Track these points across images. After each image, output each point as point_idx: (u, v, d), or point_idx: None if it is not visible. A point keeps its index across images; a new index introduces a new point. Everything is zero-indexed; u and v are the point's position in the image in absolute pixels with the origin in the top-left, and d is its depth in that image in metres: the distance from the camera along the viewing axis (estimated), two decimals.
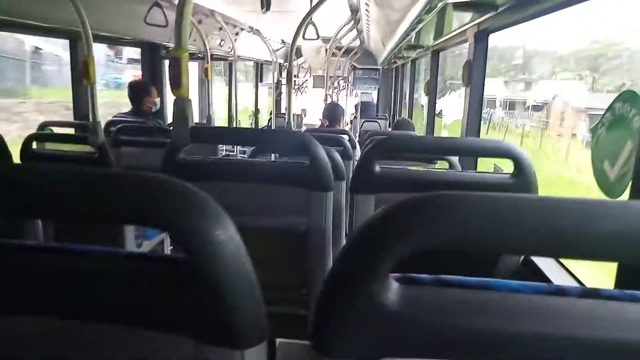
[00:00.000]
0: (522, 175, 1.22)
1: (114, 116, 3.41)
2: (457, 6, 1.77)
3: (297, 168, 1.37)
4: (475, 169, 2.17)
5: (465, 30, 2.28)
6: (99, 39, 3.04)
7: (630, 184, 0.97)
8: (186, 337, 0.49)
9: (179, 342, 0.50)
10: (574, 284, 1.31)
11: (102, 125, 2.85)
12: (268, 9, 1.73)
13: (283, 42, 6.38)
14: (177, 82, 1.24)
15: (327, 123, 3.51)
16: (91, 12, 2.02)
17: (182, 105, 1.28)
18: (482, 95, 2.16)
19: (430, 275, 0.50)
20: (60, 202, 0.48)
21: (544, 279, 1.29)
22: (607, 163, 1.10)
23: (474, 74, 2.11)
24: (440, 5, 1.84)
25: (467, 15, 2.05)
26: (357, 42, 5.80)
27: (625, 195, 1.02)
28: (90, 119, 2.11)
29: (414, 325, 0.46)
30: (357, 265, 0.46)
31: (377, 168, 1.31)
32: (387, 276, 0.46)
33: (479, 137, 2.19)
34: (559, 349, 0.44)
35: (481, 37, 2.09)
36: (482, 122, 2.23)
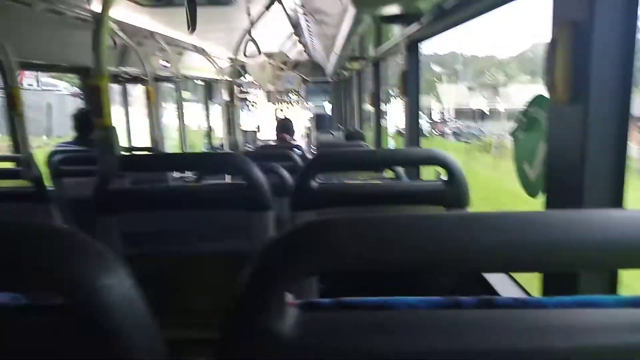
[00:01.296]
0: (454, 182, 1.26)
1: (57, 145, 3.29)
2: (385, 19, 1.82)
3: (234, 190, 1.35)
4: (419, 176, 2.22)
5: (398, 41, 2.34)
6: (31, 67, 2.93)
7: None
8: None
9: None
10: (520, 292, 1.35)
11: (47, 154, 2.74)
12: (194, 29, 1.72)
13: (230, 59, 6.36)
14: (99, 111, 1.20)
15: (284, 137, 3.54)
16: (18, 40, 1.94)
17: (106, 134, 1.24)
18: (418, 102, 2.22)
19: (333, 299, 0.50)
20: None
21: (491, 290, 1.33)
22: (526, 163, 1.15)
23: (410, 82, 2.16)
24: (367, 19, 1.89)
25: (397, 27, 2.10)
26: (305, 56, 5.86)
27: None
28: (22, 153, 2.02)
29: (313, 349, 0.45)
30: (250, 293, 0.45)
31: (315, 184, 1.32)
32: (284, 303, 0.46)
33: (418, 145, 2.24)
34: None
35: (412, 47, 2.15)
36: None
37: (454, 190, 1.27)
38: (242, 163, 1.32)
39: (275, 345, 0.45)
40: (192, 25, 1.77)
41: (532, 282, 1.38)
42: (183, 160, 1.49)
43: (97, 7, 2.59)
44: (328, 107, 8.33)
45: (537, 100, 1.10)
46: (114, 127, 1.26)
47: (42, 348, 0.47)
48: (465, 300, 0.49)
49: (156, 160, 1.58)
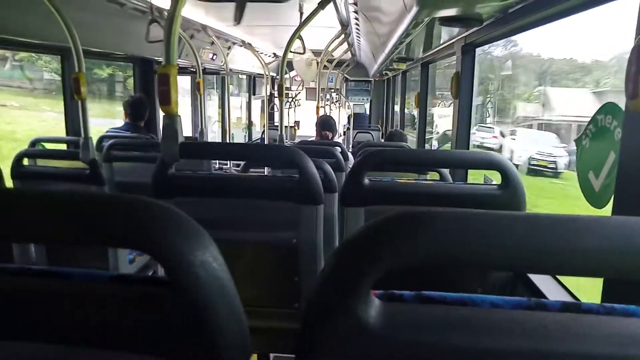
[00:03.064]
0: (509, 187, 1.24)
1: (107, 131, 3.41)
2: (444, 20, 1.80)
3: (286, 182, 1.37)
4: (466, 180, 2.18)
5: (453, 43, 2.31)
6: (90, 55, 3.05)
7: (613, 195, 0.99)
8: (170, 359, 0.49)
9: None
10: (566, 295, 1.32)
11: (95, 140, 2.86)
12: (239, 22, 1.75)
13: (275, 55, 6.43)
14: (166, 99, 1.25)
15: (321, 136, 3.54)
16: (82, 29, 2.03)
17: (171, 121, 1.29)
18: (471, 106, 2.19)
19: (415, 291, 0.51)
20: (35, 225, 0.48)
21: (535, 291, 1.30)
22: (592, 174, 1.12)
23: (462, 86, 2.14)
24: (427, 20, 1.87)
25: (454, 30, 2.08)
26: (349, 55, 5.86)
27: (609, 206, 1.03)
28: (82, 135, 2.11)
29: (395, 342, 0.46)
30: (338, 283, 0.46)
31: (367, 181, 1.32)
32: (369, 293, 0.47)
33: (468, 148, 2.21)
34: None
35: (468, 50, 2.12)
36: None
37: (510, 195, 1.24)
38: (298, 156, 1.34)
39: (359, 333, 0.46)
40: (238, 17, 1.80)
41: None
42: (240, 149, 1.53)
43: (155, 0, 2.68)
44: (366, 107, 8.31)
45: (608, 108, 1.07)
46: (179, 116, 1.30)
47: (138, 319, 0.49)
48: (550, 302, 0.49)
49: (214, 148, 1.63)
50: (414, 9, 1.50)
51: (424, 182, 1.69)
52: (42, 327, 0.50)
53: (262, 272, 1.51)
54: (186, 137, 4.25)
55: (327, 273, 0.48)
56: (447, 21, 1.82)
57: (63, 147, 3.03)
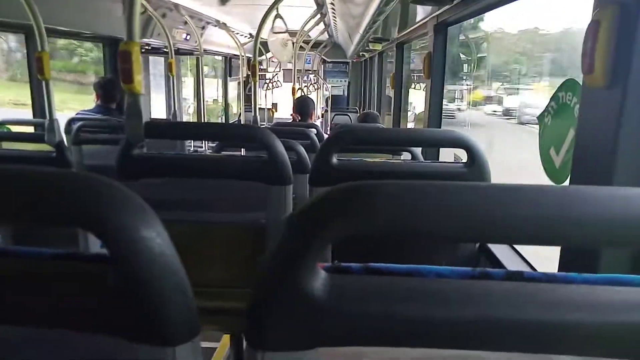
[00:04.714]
0: (475, 164, 1.25)
1: (77, 113, 3.33)
2: None
3: (255, 162, 1.36)
4: (437, 159, 2.20)
5: (426, 22, 2.31)
6: (55, 33, 2.95)
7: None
8: (117, 337, 0.49)
9: (111, 342, 0.49)
10: (525, 267, 1.35)
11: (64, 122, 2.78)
12: (224, 3, 1.72)
13: (251, 35, 6.32)
14: (129, 77, 1.22)
15: (299, 117, 3.51)
16: (47, 6, 1.96)
17: (134, 100, 1.26)
18: (443, 86, 2.19)
19: (361, 263, 0.51)
20: None
21: (497, 264, 1.33)
22: (552, 150, 1.14)
23: (435, 65, 2.14)
24: None
25: (427, 8, 2.07)
26: (326, 36, 5.80)
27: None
28: (47, 117, 2.05)
29: (343, 314, 0.46)
30: (284, 255, 0.46)
31: (335, 160, 1.32)
32: (315, 266, 0.47)
33: (439, 127, 2.23)
34: (484, 331, 0.45)
35: (440, 29, 2.12)
36: None
37: (475, 172, 1.26)
38: (267, 136, 1.33)
39: (305, 306, 0.46)
40: None
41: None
42: (208, 129, 1.50)
43: None
44: (345, 89, 8.28)
45: (568, 84, 1.09)
46: (142, 94, 1.27)
47: (82, 296, 0.49)
48: (494, 271, 0.49)
49: (181, 128, 1.60)
50: None
51: (392, 161, 1.70)
52: None
53: (232, 253, 1.50)
54: (161, 120, 4.18)
55: (275, 247, 0.48)
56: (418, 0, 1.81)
57: (30, 129, 2.94)
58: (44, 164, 2.05)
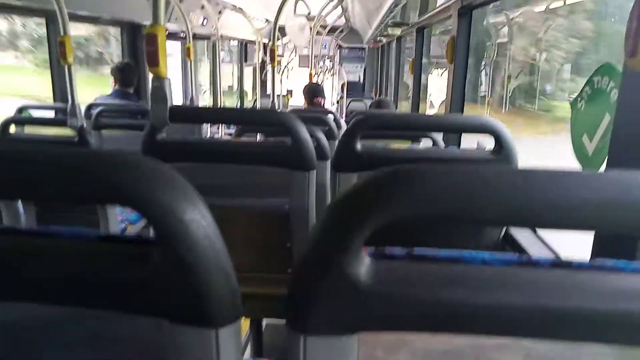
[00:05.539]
0: (503, 151, 1.23)
1: (96, 98, 3.35)
2: None
3: (279, 148, 1.36)
4: (459, 146, 2.18)
5: (449, 5, 2.26)
6: (76, 18, 2.96)
7: (606, 157, 0.98)
8: (160, 318, 0.49)
9: (153, 323, 0.49)
10: (547, 251, 1.33)
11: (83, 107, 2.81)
12: None
13: (267, 21, 6.28)
14: (155, 60, 1.21)
15: (307, 103, 3.50)
16: None
17: (160, 84, 1.26)
18: (466, 71, 2.16)
19: (404, 249, 0.50)
20: (26, 182, 0.47)
21: (522, 251, 1.31)
22: (585, 137, 1.11)
23: (458, 50, 2.10)
24: None
25: None
26: (343, 20, 5.74)
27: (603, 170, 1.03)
28: (69, 101, 2.06)
29: (387, 299, 0.46)
30: (329, 240, 0.46)
31: (359, 146, 1.31)
32: (360, 251, 0.46)
33: (462, 113, 2.20)
34: (530, 319, 0.45)
35: (464, 13, 2.08)
36: None
37: (503, 160, 1.24)
38: (292, 121, 1.32)
39: (350, 290, 0.46)
40: None
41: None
42: (232, 114, 1.50)
43: None
44: (361, 75, 8.21)
45: (605, 69, 1.05)
46: (168, 78, 1.27)
47: (126, 278, 0.49)
48: (541, 259, 0.49)
49: (206, 112, 1.60)
50: None
51: (417, 148, 1.68)
52: (31, 286, 0.49)
53: (254, 239, 1.51)
54: (177, 105, 4.20)
55: (317, 231, 0.47)
56: None
57: (51, 114, 2.97)
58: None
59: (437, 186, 0.43)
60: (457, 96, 2.13)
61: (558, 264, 0.48)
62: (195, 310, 0.48)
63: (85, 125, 2.11)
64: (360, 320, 0.46)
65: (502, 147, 1.23)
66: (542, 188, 0.42)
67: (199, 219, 0.48)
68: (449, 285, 0.46)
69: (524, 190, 0.42)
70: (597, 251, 0.95)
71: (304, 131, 1.32)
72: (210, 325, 0.48)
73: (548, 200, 0.42)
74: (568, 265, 0.48)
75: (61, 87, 3.04)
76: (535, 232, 1.40)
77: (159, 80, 1.26)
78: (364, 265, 0.46)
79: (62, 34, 1.93)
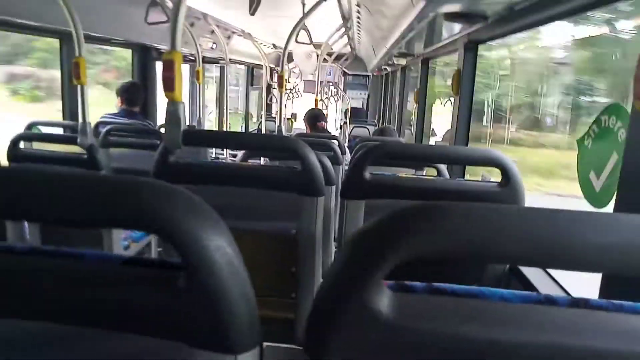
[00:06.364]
0: (510, 185, 1.24)
1: (103, 116, 3.38)
2: (449, 16, 1.80)
3: (288, 173, 1.38)
4: (463, 177, 2.20)
5: (455, 39, 2.31)
6: (90, 39, 3.02)
7: (615, 195, 0.99)
8: (180, 342, 0.49)
9: (172, 347, 0.50)
10: (559, 291, 1.33)
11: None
12: (254, 13, 1.75)
13: (274, 46, 6.40)
14: (171, 85, 1.24)
15: (309, 128, 3.54)
16: (83, 12, 2.01)
17: (175, 108, 1.28)
18: (471, 103, 2.19)
19: (422, 282, 0.51)
20: (53, 206, 0.48)
21: (529, 286, 1.31)
22: (593, 174, 1.13)
23: (464, 82, 2.14)
24: (431, 15, 1.87)
25: (458, 25, 2.08)
26: (348, 49, 5.84)
27: (610, 206, 1.05)
28: (80, 120, 2.09)
29: (406, 332, 0.46)
30: (352, 272, 0.46)
31: (367, 174, 1.33)
32: (381, 284, 0.47)
33: (467, 144, 2.22)
34: (548, 357, 0.45)
35: (471, 47, 2.13)
36: None
37: (511, 193, 1.25)
38: (302, 148, 1.34)
39: (371, 323, 0.46)
40: (254, 7, 1.79)
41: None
42: (244, 139, 1.52)
43: None
44: (365, 101, 8.30)
45: (613, 109, 1.08)
46: (182, 102, 1.30)
47: (148, 301, 0.49)
48: (559, 298, 0.49)
49: (218, 137, 1.62)
50: (421, 3, 1.49)
51: (424, 177, 1.70)
52: (54, 307, 0.50)
53: (260, 262, 1.51)
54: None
55: (340, 263, 0.48)
56: (452, 17, 1.82)
57: (59, 131, 3.00)
58: (75, 166, 2.09)
59: (460, 224, 0.44)
60: (463, 128, 2.16)
61: (576, 303, 0.48)
62: (216, 336, 0.49)
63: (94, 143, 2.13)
64: (378, 352, 0.47)
65: (509, 181, 1.25)
66: (564, 229, 0.43)
67: (224, 246, 0.49)
68: (468, 320, 0.47)
69: (547, 231, 0.43)
70: (606, 291, 0.95)
71: (313, 157, 1.34)
72: (230, 351, 0.49)
73: (569, 242, 0.43)
74: (586, 304, 0.49)
75: (71, 106, 3.09)
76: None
77: (174, 104, 1.28)
78: (384, 297, 0.47)
79: (77, 55, 1.97)
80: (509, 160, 1.26)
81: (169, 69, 1.24)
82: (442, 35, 2.57)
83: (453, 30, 2.27)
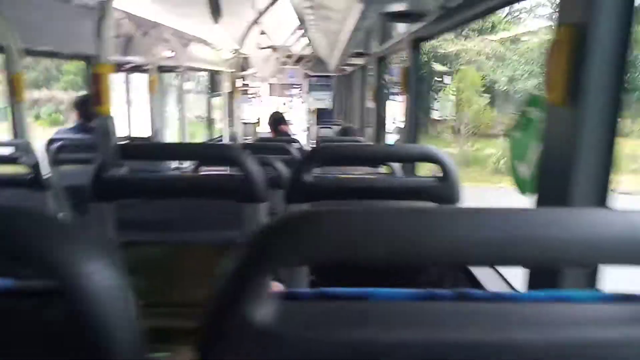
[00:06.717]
0: (447, 179, 1.27)
1: (56, 132, 3.29)
2: (390, 16, 1.83)
3: (228, 180, 1.37)
4: (414, 173, 2.23)
5: (403, 38, 2.34)
6: (36, 53, 2.94)
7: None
8: None
9: None
10: (503, 285, 1.36)
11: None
12: (217, 21, 1.74)
13: (236, 51, 6.36)
14: (100, 99, 1.22)
15: (272, 131, 3.54)
16: (25, 26, 1.94)
17: (104, 122, 1.26)
18: (418, 100, 2.22)
19: (314, 289, 0.51)
20: None
21: (478, 285, 1.34)
22: (520, 163, 1.16)
23: (411, 80, 2.17)
24: (373, 15, 1.89)
25: (403, 25, 2.11)
26: (310, 50, 5.85)
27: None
28: (21, 139, 2.03)
29: (292, 341, 0.45)
30: (229, 282, 0.46)
31: (310, 177, 1.33)
32: (262, 293, 0.46)
33: (416, 142, 2.25)
34: (428, 354, 0.45)
35: (415, 45, 2.16)
36: None
37: (446, 186, 1.28)
38: (238, 154, 1.33)
39: (248, 334, 0.45)
40: (217, 14, 1.77)
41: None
42: (180, 149, 1.50)
43: None
44: (331, 102, 8.34)
45: (534, 100, 1.11)
46: (112, 116, 1.27)
47: (29, 331, 0.48)
48: (441, 293, 0.50)
49: (155, 149, 1.60)
50: (358, 5, 1.51)
51: (368, 176, 1.72)
52: None
53: (208, 273, 1.49)
54: (144, 138, 4.15)
55: (221, 275, 0.47)
56: (393, 16, 1.84)
57: (9, 150, 2.90)
58: (20, 186, 2.02)
59: (341, 232, 0.43)
60: (411, 124, 2.19)
61: (458, 296, 0.49)
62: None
63: (45, 160, 2.07)
64: None
65: (446, 176, 1.27)
66: (455, 227, 0.43)
67: (99, 270, 0.47)
68: (355, 324, 0.46)
69: (427, 229, 0.43)
70: (531, 284, 0.98)
71: (251, 164, 1.33)
72: None
73: (464, 239, 0.42)
74: (468, 297, 0.49)
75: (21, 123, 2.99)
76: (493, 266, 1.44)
77: (104, 119, 1.26)
78: (265, 307, 0.46)
79: (14, 71, 1.91)
80: (444, 156, 1.29)
81: (97, 82, 1.22)
82: (392, 34, 2.60)
83: (400, 29, 2.30)
